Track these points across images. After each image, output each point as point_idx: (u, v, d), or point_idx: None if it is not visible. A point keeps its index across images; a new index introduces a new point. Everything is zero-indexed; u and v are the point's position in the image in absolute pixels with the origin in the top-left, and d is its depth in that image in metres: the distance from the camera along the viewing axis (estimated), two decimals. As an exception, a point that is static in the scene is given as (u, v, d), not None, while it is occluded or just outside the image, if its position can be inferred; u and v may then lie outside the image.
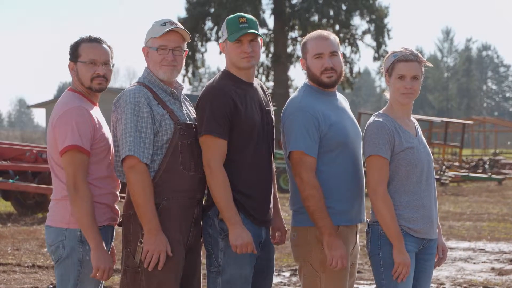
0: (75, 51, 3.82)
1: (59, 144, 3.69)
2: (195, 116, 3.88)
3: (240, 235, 3.68)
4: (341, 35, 32.41)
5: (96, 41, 3.83)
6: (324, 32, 3.90)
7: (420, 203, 3.80)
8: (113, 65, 3.87)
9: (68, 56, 3.86)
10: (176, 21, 3.86)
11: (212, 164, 3.72)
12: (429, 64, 3.93)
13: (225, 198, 3.70)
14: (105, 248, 3.69)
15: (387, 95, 3.93)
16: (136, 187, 3.65)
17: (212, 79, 3.91)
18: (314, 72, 3.84)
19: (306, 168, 3.72)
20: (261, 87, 4.00)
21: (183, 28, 3.86)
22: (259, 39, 3.86)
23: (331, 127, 3.78)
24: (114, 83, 77.80)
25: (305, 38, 3.92)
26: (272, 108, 4.01)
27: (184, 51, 3.89)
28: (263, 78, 34.01)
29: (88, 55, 3.78)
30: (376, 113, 3.89)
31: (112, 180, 3.85)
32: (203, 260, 3.95)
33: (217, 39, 32.24)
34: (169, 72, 3.82)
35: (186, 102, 3.96)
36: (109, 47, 3.86)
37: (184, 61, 3.92)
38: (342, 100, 4.02)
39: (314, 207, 3.69)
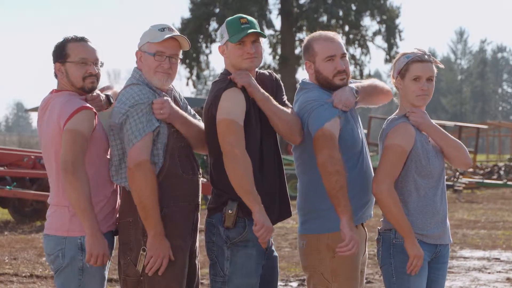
0: (62, 51, 3.71)
1: (64, 115, 3.55)
2: None
3: (267, 219, 3.55)
4: (351, 36, 32.29)
5: (83, 40, 3.75)
6: (330, 33, 3.81)
7: (433, 208, 3.73)
8: (102, 64, 3.77)
9: (53, 58, 3.73)
10: (173, 27, 3.79)
11: (237, 148, 3.56)
12: (441, 65, 3.82)
13: (250, 183, 3.54)
14: (100, 232, 3.57)
15: (396, 100, 3.83)
16: (143, 187, 3.53)
17: (216, 82, 3.81)
18: (326, 75, 3.76)
19: (335, 146, 3.59)
20: (275, 78, 3.90)
21: (182, 35, 3.77)
22: (261, 39, 3.76)
23: (347, 127, 3.71)
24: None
25: (308, 39, 3.83)
26: (284, 97, 3.88)
27: (179, 59, 3.81)
28: (269, 80, 33.81)
29: (78, 54, 3.69)
30: (392, 116, 3.77)
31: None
32: (205, 269, 3.79)
33: (222, 40, 32.02)
34: (163, 79, 3.73)
35: (174, 102, 3.82)
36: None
37: (177, 69, 3.82)
38: None
39: (342, 182, 3.56)
